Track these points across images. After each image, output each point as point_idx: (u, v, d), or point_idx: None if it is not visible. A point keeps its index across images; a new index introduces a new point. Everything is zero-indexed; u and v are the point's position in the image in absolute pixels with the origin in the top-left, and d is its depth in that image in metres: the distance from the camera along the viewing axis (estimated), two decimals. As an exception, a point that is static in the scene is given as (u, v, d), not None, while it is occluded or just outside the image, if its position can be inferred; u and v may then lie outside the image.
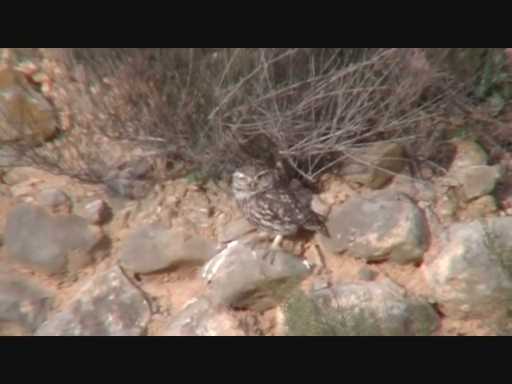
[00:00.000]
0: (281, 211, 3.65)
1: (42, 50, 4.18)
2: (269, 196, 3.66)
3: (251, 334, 3.65)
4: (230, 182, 3.80)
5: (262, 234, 3.76)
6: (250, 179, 3.62)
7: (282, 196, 3.68)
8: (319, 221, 3.74)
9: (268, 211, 3.64)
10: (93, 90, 3.99)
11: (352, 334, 3.22)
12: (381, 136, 3.76)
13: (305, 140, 3.60)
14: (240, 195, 3.67)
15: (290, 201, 3.68)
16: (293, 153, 3.63)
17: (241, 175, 3.64)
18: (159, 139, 3.81)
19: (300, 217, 3.69)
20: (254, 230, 3.78)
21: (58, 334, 3.71)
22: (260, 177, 3.64)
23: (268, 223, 3.67)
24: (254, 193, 3.63)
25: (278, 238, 3.71)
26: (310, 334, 3.23)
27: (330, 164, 3.72)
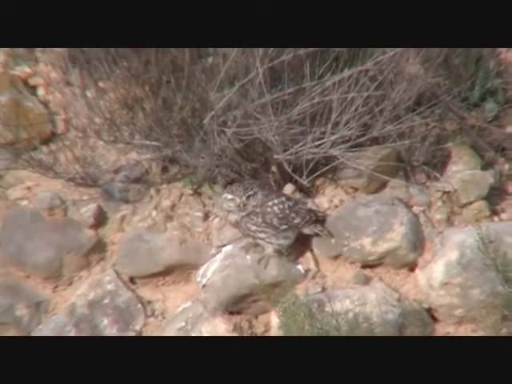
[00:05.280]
0: (275, 220, 3.62)
1: (38, 53, 4.21)
2: (258, 210, 3.61)
3: (246, 338, 3.66)
4: (225, 186, 3.82)
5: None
6: (238, 200, 3.59)
7: (269, 209, 3.61)
8: (319, 220, 3.72)
9: (263, 224, 3.62)
10: (88, 93, 4.01)
11: (346, 339, 3.22)
12: (375, 141, 3.76)
13: (300, 144, 3.61)
14: (231, 217, 3.66)
15: (282, 207, 3.63)
16: (288, 157, 3.63)
17: (229, 196, 3.61)
18: (154, 143, 3.82)
19: (297, 221, 3.67)
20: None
21: (52, 337, 3.72)
22: (249, 197, 3.60)
23: (263, 235, 3.63)
24: (244, 213, 3.61)
25: (272, 243, 3.72)
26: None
27: (325, 169, 3.73)
